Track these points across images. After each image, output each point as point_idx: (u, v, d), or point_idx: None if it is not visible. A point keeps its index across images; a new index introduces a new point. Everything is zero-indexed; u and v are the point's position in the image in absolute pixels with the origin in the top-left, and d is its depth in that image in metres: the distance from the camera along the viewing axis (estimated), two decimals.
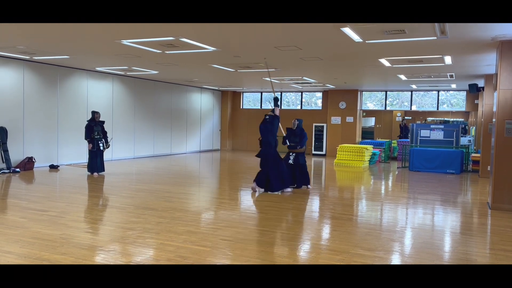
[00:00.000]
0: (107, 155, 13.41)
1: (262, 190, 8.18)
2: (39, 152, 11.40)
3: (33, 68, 11.19)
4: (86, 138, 10.26)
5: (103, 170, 10.45)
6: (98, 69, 12.42)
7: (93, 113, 10.40)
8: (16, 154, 10.87)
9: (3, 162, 10.54)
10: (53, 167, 11.36)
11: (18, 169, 10.51)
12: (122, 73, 13.20)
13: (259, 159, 8.36)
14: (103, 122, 10.54)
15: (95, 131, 10.28)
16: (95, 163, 10.25)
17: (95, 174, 10.22)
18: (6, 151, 10.52)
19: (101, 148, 10.35)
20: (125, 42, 7.79)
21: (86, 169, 10.63)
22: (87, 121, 10.41)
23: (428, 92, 16.47)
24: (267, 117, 8.32)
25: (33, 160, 11.02)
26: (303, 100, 18.67)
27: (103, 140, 10.44)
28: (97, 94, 13.16)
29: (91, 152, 10.25)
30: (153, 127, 15.59)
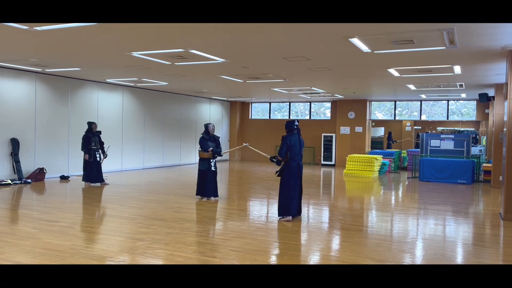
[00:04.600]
0: (116, 165, 13.52)
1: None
2: (50, 163, 11.51)
3: (45, 80, 11.35)
4: (82, 149, 10.29)
5: (103, 181, 10.45)
6: (108, 80, 12.56)
7: (90, 123, 10.43)
8: (28, 165, 10.98)
9: (14, 173, 10.66)
10: (64, 178, 11.45)
11: (29, 180, 10.60)
12: (132, 84, 13.34)
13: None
14: (99, 132, 10.57)
15: (92, 141, 10.32)
16: (92, 173, 10.24)
17: (92, 184, 10.24)
18: (17, 162, 10.64)
19: (98, 159, 10.36)
20: (135, 54, 7.88)
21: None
22: (85, 132, 10.43)
23: (437, 101, 16.38)
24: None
25: (44, 171, 11.12)
26: (312, 110, 18.67)
27: (100, 150, 10.49)
28: (107, 105, 13.30)
29: (86, 163, 10.27)
30: (162, 138, 15.68)
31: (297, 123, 6.86)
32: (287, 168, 6.76)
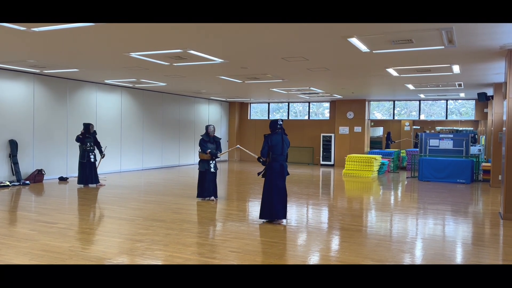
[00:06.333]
0: (115, 166, 13.50)
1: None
2: (48, 165, 11.48)
3: (43, 81, 11.33)
4: (77, 141, 10.34)
5: (98, 182, 10.41)
6: (107, 81, 12.54)
7: (88, 125, 10.39)
8: (26, 167, 10.96)
9: (13, 174, 10.63)
10: (63, 179, 11.42)
11: (28, 182, 10.58)
12: (131, 85, 13.31)
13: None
14: (95, 132, 10.54)
15: (87, 142, 10.28)
16: (87, 174, 10.19)
17: (90, 185, 10.22)
18: (16, 163, 10.61)
19: (92, 160, 10.31)
20: (133, 55, 7.86)
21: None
22: (81, 134, 10.34)
23: (436, 101, 16.38)
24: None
25: (43, 172, 11.09)
26: (311, 110, 18.66)
27: (97, 151, 10.45)
28: (106, 106, 13.28)
29: (81, 164, 10.23)
30: (161, 138, 15.66)
31: (280, 123, 6.67)
32: (269, 168, 6.57)
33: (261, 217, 6.64)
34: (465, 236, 6.18)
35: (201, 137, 8.48)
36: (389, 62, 8.38)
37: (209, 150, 8.29)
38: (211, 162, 8.36)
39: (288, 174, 6.76)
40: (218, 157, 8.53)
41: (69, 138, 11.97)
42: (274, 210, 6.51)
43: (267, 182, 6.63)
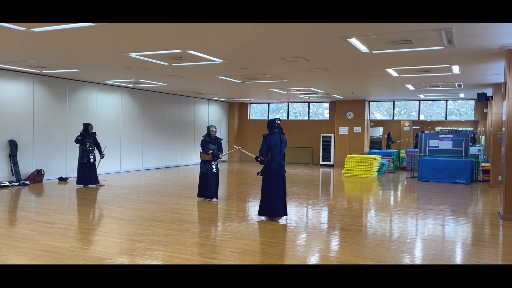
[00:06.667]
0: (115, 166, 13.50)
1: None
2: (48, 165, 11.48)
3: (43, 82, 11.33)
4: (76, 142, 10.32)
5: (98, 182, 10.42)
6: (106, 81, 12.54)
7: (87, 125, 10.38)
8: (26, 167, 10.95)
9: (13, 175, 10.63)
10: (62, 180, 11.42)
11: (27, 182, 10.57)
12: (130, 85, 13.32)
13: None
14: (94, 133, 10.55)
15: (87, 142, 10.27)
16: (86, 175, 10.18)
17: (89, 185, 10.22)
18: (16, 164, 10.61)
19: (92, 160, 10.31)
20: (133, 55, 7.86)
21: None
22: (79, 134, 10.35)
23: (436, 101, 16.39)
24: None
25: (43, 172, 11.09)
26: (310, 110, 18.66)
27: (97, 151, 10.45)
28: (106, 106, 13.27)
29: (81, 164, 10.22)
30: (161, 139, 15.66)
31: (278, 122, 6.81)
32: (268, 168, 6.72)
33: (259, 213, 6.77)
34: (465, 237, 6.18)
35: (202, 138, 8.48)
36: (388, 63, 8.39)
37: (211, 151, 8.30)
38: (213, 163, 8.38)
39: (285, 172, 6.86)
40: (220, 158, 8.54)
41: (69, 138, 11.97)
42: (274, 208, 6.63)
43: (266, 181, 6.74)
